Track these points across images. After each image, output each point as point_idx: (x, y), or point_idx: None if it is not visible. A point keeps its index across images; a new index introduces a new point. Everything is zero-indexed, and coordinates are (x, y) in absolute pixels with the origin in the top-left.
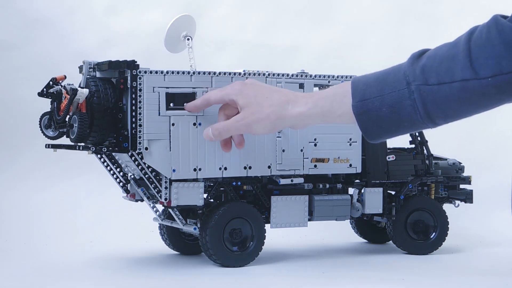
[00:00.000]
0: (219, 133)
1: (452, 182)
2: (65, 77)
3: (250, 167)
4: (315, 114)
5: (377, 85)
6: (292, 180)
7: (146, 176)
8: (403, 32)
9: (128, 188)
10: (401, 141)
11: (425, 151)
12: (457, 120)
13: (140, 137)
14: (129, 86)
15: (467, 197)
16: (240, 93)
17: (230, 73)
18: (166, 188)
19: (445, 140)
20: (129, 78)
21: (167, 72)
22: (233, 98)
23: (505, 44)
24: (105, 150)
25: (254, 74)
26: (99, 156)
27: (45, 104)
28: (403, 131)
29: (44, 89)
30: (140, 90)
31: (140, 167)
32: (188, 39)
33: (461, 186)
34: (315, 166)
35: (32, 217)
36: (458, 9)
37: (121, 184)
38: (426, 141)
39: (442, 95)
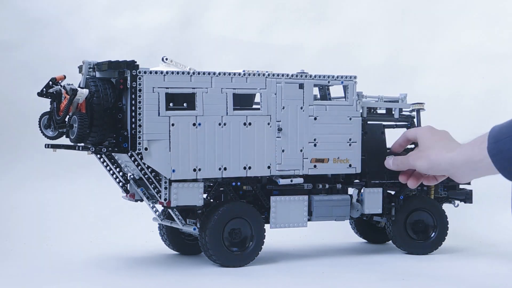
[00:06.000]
0: (397, 165)
1: (452, 182)
2: (65, 77)
3: (249, 167)
4: (460, 159)
5: (509, 126)
6: (291, 180)
7: (146, 176)
8: (403, 32)
9: (128, 188)
10: None
11: None
12: None
13: (139, 138)
14: (128, 86)
15: (467, 197)
16: (420, 135)
17: (230, 73)
18: (165, 188)
19: None
20: (129, 78)
21: (167, 73)
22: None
23: None
24: (104, 151)
25: (254, 75)
26: (98, 156)
27: (45, 104)
28: None
29: (44, 89)
30: (140, 90)
31: (139, 167)
32: (165, 60)
33: (461, 186)
34: (315, 166)
35: (32, 217)
36: (458, 9)
37: (120, 184)
38: None
39: None
